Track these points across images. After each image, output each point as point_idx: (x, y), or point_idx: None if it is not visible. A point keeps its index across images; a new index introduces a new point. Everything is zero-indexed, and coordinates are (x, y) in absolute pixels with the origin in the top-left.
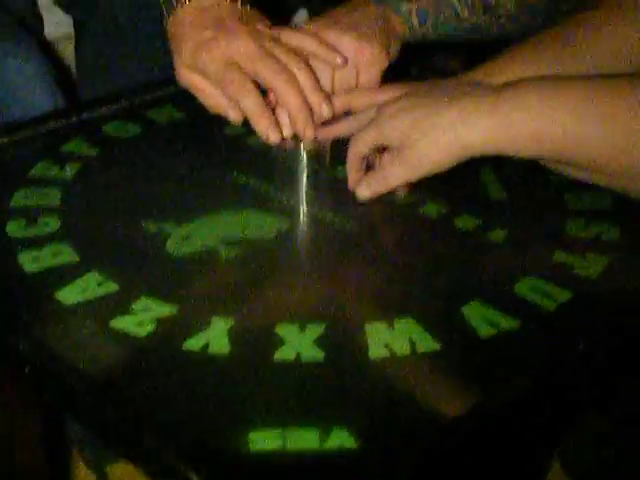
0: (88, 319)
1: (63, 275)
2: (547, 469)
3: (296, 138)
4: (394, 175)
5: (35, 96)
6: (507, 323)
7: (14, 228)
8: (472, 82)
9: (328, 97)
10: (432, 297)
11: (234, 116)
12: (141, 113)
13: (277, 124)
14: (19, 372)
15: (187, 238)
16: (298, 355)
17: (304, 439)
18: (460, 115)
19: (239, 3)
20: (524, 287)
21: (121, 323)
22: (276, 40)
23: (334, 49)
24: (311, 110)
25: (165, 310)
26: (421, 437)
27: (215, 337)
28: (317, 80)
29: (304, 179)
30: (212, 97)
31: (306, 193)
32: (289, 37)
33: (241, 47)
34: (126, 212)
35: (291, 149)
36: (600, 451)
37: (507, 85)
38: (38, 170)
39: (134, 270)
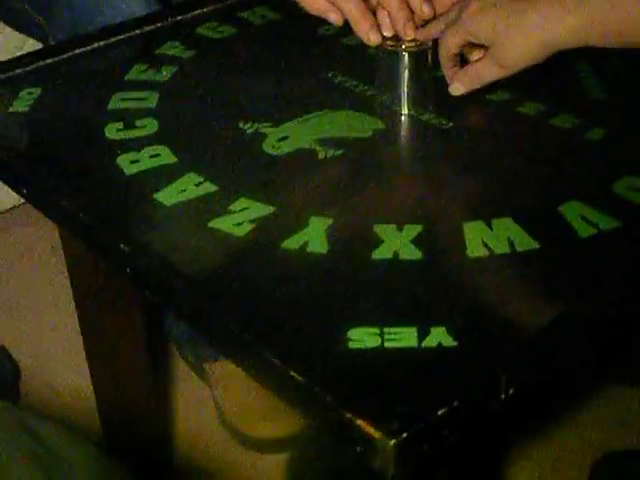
0: (187, 219)
1: (162, 176)
2: None
3: (396, 39)
4: (487, 73)
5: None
6: (607, 222)
7: (112, 131)
8: None
9: None
10: (530, 196)
11: (334, 18)
12: (235, 14)
13: (377, 26)
14: (121, 272)
15: (284, 138)
16: (396, 254)
17: (402, 337)
18: (546, 13)
19: None
20: (623, 186)
21: (220, 223)
22: None
23: None
24: (412, 11)
25: (263, 210)
26: (520, 337)
27: (313, 236)
28: None
29: (403, 79)
30: (313, 0)
31: (404, 93)
32: None
33: None
34: (223, 113)
35: (390, 49)
36: None
37: None
38: (134, 73)
39: (232, 171)
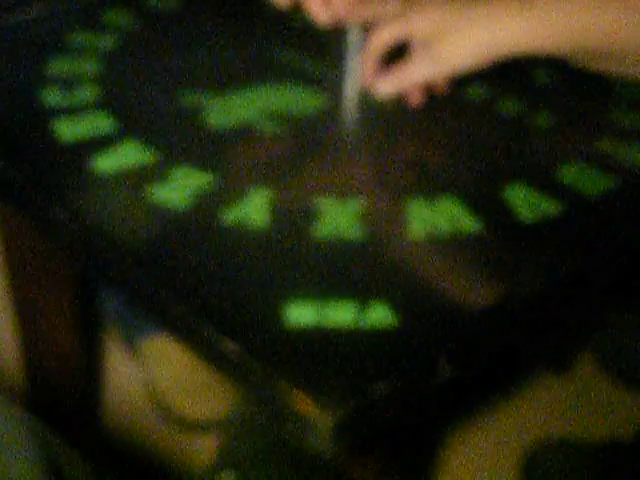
0: (124, 188)
1: (101, 144)
2: (575, 361)
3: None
4: (420, 69)
5: None
6: (549, 207)
7: (50, 96)
8: None
9: None
10: (474, 178)
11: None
12: None
13: (328, 3)
14: (55, 239)
15: (227, 110)
16: (337, 230)
17: (341, 315)
18: (495, 10)
19: None
20: (568, 172)
21: (158, 192)
22: None
23: None
24: None
25: (203, 180)
26: (460, 317)
27: (254, 209)
28: None
29: (350, 56)
30: None
31: (351, 70)
32: None
33: None
34: (165, 83)
35: (339, 27)
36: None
37: None
38: (76, 39)
39: (173, 140)
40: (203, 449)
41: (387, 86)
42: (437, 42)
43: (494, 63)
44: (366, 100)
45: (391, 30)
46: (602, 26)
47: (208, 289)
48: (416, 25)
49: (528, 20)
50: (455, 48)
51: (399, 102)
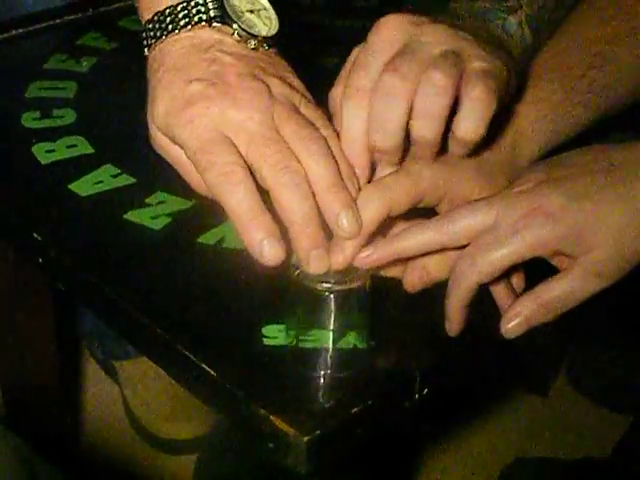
0: (102, 211)
1: (78, 167)
2: (552, 382)
3: None
4: (576, 292)
5: None
6: None
7: (29, 120)
8: (601, 156)
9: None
10: None
11: None
12: None
13: (278, 234)
14: (33, 262)
15: None
16: None
17: (317, 337)
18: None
19: (252, 42)
20: None
21: (136, 216)
22: (295, 109)
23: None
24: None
25: (180, 204)
26: (435, 338)
27: (230, 232)
28: (336, 172)
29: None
30: (196, 177)
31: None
32: (309, 111)
33: (239, 118)
34: (142, 107)
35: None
36: (610, 369)
37: None
38: (53, 62)
39: (150, 164)
40: (181, 468)
41: (522, 324)
42: (589, 250)
43: None
44: None
45: (502, 261)
46: None
47: (184, 310)
48: (555, 236)
49: None
50: (624, 248)
51: None
